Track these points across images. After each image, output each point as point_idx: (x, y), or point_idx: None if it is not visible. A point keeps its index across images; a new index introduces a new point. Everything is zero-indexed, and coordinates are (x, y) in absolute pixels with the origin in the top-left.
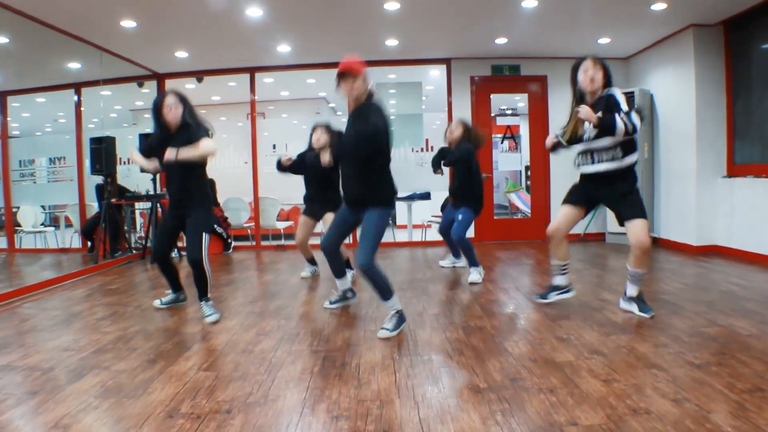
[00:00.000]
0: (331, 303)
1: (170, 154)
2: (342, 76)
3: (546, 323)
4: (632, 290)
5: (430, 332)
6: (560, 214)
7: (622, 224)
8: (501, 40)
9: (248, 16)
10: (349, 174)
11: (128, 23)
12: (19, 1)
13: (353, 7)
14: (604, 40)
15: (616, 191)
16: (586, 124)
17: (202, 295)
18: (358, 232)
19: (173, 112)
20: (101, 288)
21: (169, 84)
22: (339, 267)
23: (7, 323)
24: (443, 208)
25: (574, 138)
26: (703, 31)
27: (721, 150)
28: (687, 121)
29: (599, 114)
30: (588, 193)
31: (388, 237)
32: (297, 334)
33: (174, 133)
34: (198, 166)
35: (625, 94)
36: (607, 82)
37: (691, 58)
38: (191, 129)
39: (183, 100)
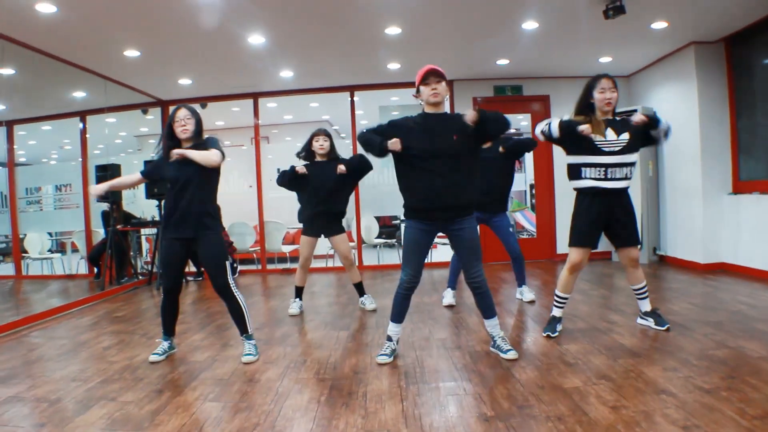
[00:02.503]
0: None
1: (176, 152)
2: (440, 75)
3: (553, 347)
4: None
5: (437, 358)
6: (582, 254)
7: (617, 247)
8: (502, 61)
9: (251, 43)
10: (454, 178)
11: (131, 53)
12: (26, 34)
13: (354, 32)
14: (605, 59)
15: (626, 210)
16: (609, 133)
17: (243, 330)
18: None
19: (186, 127)
20: (108, 315)
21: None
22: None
23: (15, 353)
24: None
25: (588, 143)
26: (705, 48)
27: (726, 167)
28: (691, 139)
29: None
30: (599, 224)
31: (392, 258)
32: (303, 361)
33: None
34: (210, 188)
35: (627, 112)
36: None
37: (693, 75)
38: (201, 144)
39: (195, 114)
